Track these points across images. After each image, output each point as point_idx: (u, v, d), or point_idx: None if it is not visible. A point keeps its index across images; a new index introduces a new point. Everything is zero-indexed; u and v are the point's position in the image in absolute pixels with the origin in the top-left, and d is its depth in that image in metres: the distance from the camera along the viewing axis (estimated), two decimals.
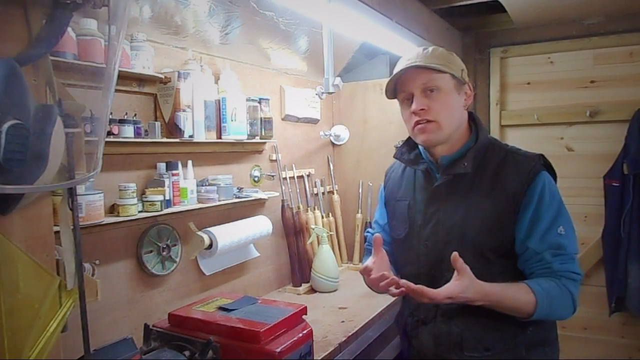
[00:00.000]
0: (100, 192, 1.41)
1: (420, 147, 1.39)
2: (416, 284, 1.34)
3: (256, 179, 2.21)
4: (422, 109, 1.24)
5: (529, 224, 1.21)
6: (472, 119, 1.35)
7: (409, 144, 1.42)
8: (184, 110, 1.67)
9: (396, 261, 1.49)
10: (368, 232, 1.59)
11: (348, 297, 2.17)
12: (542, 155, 1.28)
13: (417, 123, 1.27)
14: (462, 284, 1.12)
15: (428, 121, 1.25)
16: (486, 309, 1.24)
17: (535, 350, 1.27)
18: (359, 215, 2.70)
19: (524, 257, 1.23)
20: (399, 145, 1.45)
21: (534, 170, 1.23)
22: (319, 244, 2.33)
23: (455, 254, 1.12)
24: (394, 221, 1.43)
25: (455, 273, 1.13)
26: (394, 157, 1.45)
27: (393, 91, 1.33)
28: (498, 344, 1.25)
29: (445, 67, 1.25)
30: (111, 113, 1.46)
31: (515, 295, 1.17)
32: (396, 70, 1.30)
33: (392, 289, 1.17)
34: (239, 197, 1.96)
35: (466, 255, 1.23)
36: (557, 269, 1.19)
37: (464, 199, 1.27)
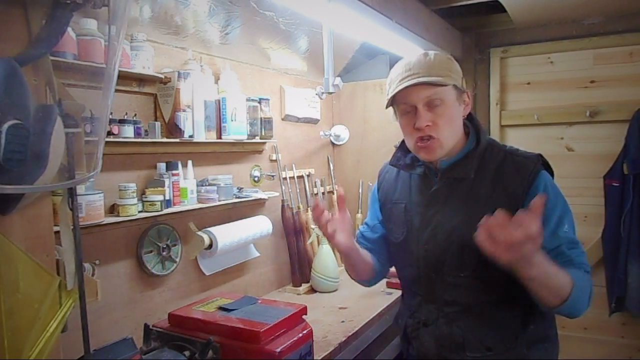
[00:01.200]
0: (100, 192, 1.41)
1: None
2: (415, 287, 1.35)
3: (256, 179, 2.21)
4: (427, 125, 1.21)
5: None
6: (470, 120, 1.33)
7: (404, 149, 1.39)
8: (184, 110, 1.67)
9: (394, 264, 1.49)
10: (359, 230, 1.59)
11: (348, 297, 2.17)
12: (540, 155, 1.27)
13: (420, 139, 1.23)
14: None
15: (431, 138, 1.22)
16: (487, 309, 1.24)
17: (535, 347, 1.27)
18: (359, 215, 2.70)
19: None
20: (397, 146, 1.44)
21: (534, 171, 1.22)
22: (319, 244, 2.33)
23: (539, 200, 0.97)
24: (390, 224, 1.41)
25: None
26: (390, 164, 1.42)
27: (391, 100, 1.27)
28: (499, 343, 1.25)
29: (448, 77, 1.21)
30: (111, 113, 1.46)
31: (559, 273, 1.08)
32: (395, 78, 1.24)
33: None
34: (239, 197, 1.96)
35: (468, 260, 1.23)
36: (577, 261, 1.17)
37: (463, 202, 1.26)
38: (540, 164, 1.24)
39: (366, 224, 1.54)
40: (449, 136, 1.24)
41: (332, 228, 1.25)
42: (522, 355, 1.25)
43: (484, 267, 1.21)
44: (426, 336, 1.33)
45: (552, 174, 1.28)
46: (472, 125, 1.32)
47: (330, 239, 1.26)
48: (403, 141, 1.39)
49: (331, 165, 2.76)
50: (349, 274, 1.49)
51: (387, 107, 1.31)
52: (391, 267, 1.53)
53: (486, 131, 1.36)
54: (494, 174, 1.25)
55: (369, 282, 1.51)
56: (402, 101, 1.24)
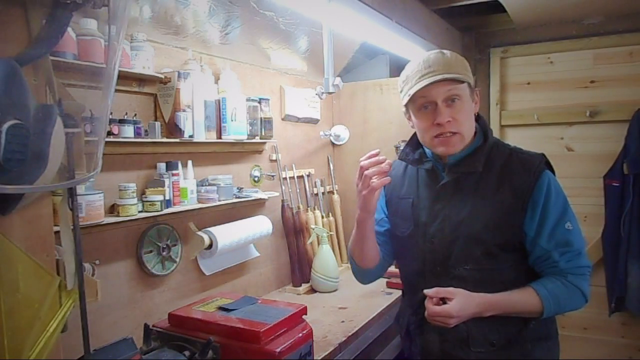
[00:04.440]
0: (100, 192, 1.41)
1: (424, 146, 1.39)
2: (420, 281, 1.36)
3: (256, 179, 2.21)
4: (448, 121, 1.24)
5: (538, 222, 1.24)
6: (477, 119, 1.37)
7: (412, 144, 1.42)
8: (184, 110, 1.67)
9: (398, 259, 1.50)
10: None
11: (348, 297, 2.17)
12: (543, 154, 1.31)
13: (439, 135, 1.26)
14: (456, 304, 1.18)
15: (452, 133, 1.25)
16: None
17: (539, 345, 1.29)
18: None
19: (534, 255, 1.27)
20: (399, 146, 1.46)
21: (539, 168, 1.26)
22: (319, 244, 2.33)
23: (428, 293, 1.22)
24: (397, 219, 1.43)
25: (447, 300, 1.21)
26: (399, 158, 1.45)
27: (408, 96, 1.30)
28: (503, 339, 1.27)
29: (465, 75, 1.26)
30: (111, 113, 1.46)
31: (521, 300, 1.23)
32: (414, 76, 1.26)
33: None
34: (239, 197, 1.96)
35: (474, 252, 1.26)
36: (564, 267, 1.24)
37: (470, 197, 1.29)
38: (544, 163, 1.29)
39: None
40: (468, 131, 1.29)
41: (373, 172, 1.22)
42: (526, 352, 1.27)
43: (489, 259, 1.26)
44: (430, 332, 1.34)
45: (554, 173, 1.30)
46: (480, 124, 1.36)
47: (366, 183, 1.22)
48: (412, 137, 1.42)
49: (331, 165, 2.76)
50: (354, 260, 1.45)
51: (404, 104, 1.32)
52: (392, 263, 1.54)
53: (492, 130, 1.40)
54: (500, 170, 1.29)
55: (370, 271, 1.47)
56: (420, 96, 1.26)
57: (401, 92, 1.32)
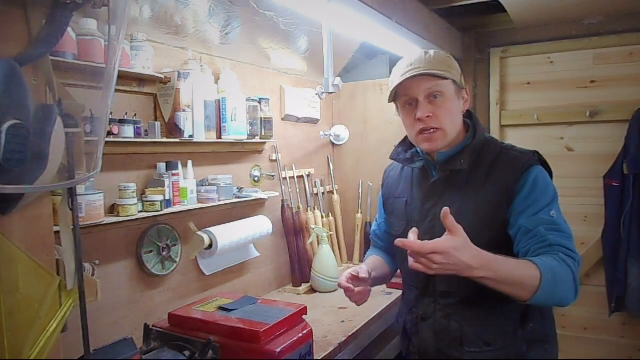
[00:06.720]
0: (100, 192, 1.41)
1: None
2: (412, 280, 1.38)
3: (256, 179, 2.21)
4: (428, 116, 1.26)
5: (521, 209, 1.20)
6: (469, 117, 1.37)
7: (405, 144, 1.44)
8: (184, 110, 1.68)
9: (396, 257, 1.51)
10: (372, 229, 1.65)
11: None
12: (536, 152, 1.29)
13: (422, 131, 1.28)
14: (454, 240, 1.00)
15: (433, 129, 1.27)
16: (483, 302, 1.25)
17: (535, 347, 1.28)
18: (359, 215, 2.70)
19: (518, 237, 1.19)
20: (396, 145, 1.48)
21: (527, 164, 1.24)
22: (319, 244, 2.33)
23: (445, 209, 1.02)
24: (392, 218, 1.46)
25: (447, 232, 1.03)
26: (390, 158, 1.47)
27: (393, 95, 1.33)
28: (498, 338, 1.26)
29: (448, 72, 1.27)
30: (111, 113, 1.46)
31: (519, 266, 1.07)
32: (397, 74, 1.30)
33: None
34: (239, 197, 1.96)
35: None
36: (554, 242, 1.13)
37: (459, 194, 1.29)
38: (535, 159, 1.26)
39: (376, 221, 1.62)
40: (450, 127, 1.28)
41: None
42: (522, 353, 1.26)
43: None
44: (425, 331, 1.34)
45: (550, 171, 1.28)
46: (472, 121, 1.37)
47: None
48: (405, 137, 1.43)
49: (331, 165, 2.76)
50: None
51: (389, 102, 1.36)
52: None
53: (485, 128, 1.41)
54: (488, 168, 1.29)
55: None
56: (403, 93, 1.30)
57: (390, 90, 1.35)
